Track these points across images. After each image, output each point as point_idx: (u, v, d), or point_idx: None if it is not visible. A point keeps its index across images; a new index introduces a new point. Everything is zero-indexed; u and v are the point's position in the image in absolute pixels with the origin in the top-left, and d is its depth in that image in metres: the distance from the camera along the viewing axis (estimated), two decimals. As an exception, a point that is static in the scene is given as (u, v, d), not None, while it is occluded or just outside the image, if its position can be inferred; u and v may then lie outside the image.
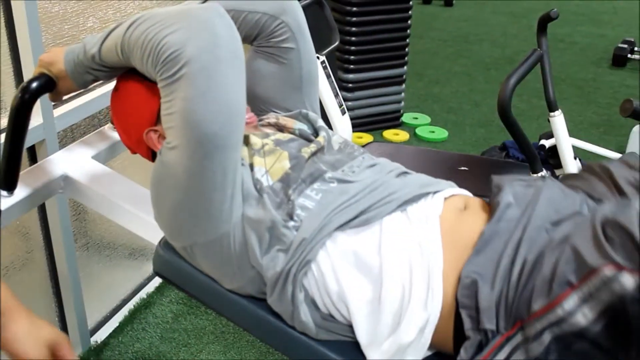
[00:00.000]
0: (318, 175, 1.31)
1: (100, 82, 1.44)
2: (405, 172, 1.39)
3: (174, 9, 1.24)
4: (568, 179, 1.35)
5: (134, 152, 1.47)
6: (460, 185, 2.40)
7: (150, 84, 1.30)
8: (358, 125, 3.98)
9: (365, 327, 1.20)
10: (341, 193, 1.28)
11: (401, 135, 4.04)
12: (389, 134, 4.05)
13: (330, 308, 1.24)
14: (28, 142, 1.77)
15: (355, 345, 1.23)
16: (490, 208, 1.25)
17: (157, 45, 1.18)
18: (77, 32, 2.03)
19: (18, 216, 1.60)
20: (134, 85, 1.36)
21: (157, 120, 1.33)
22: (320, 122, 1.51)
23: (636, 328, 0.99)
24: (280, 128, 1.50)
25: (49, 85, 1.38)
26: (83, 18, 2.05)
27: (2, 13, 1.70)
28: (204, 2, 1.39)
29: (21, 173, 1.51)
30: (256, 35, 1.52)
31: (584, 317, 1.00)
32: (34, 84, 1.37)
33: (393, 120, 4.14)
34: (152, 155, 1.42)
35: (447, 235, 1.21)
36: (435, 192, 1.31)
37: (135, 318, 2.47)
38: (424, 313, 1.15)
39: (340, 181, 1.31)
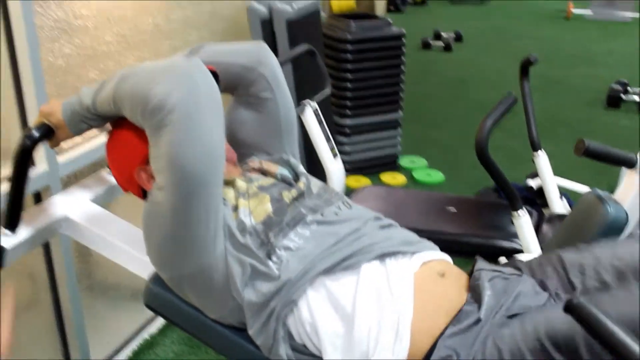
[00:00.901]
0: (300, 219, 1.42)
1: (100, 132, 1.55)
2: (390, 225, 1.50)
3: (160, 64, 1.37)
4: (539, 266, 1.47)
5: (126, 190, 1.58)
6: (448, 225, 2.50)
7: (141, 129, 1.41)
8: (356, 168, 4.09)
9: (334, 357, 1.30)
10: (325, 237, 1.39)
11: (398, 178, 4.12)
12: (386, 177, 4.12)
13: (304, 338, 1.34)
14: (33, 188, 1.88)
15: None
16: (471, 291, 1.38)
17: (144, 96, 1.30)
18: (80, 84, 2.13)
19: (21, 254, 1.69)
20: (126, 129, 1.48)
21: (147, 161, 1.42)
22: (301, 168, 1.63)
23: None
24: (264, 172, 1.61)
25: (48, 133, 1.51)
26: (85, 70, 2.16)
27: (10, 67, 1.82)
28: (187, 56, 1.51)
29: (24, 214, 1.61)
30: (236, 86, 1.64)
31: None
32: (35, 132, 1.50)
33: (390, 163, 4.23)
34: (142, 194, 1.53)
35: (421, 294, 1.33)
36: (414, 253, 1.42)
37: (138, 359, 2.53)
38: (391, 356, 1.27)
39: (321, 223, 1.42)
